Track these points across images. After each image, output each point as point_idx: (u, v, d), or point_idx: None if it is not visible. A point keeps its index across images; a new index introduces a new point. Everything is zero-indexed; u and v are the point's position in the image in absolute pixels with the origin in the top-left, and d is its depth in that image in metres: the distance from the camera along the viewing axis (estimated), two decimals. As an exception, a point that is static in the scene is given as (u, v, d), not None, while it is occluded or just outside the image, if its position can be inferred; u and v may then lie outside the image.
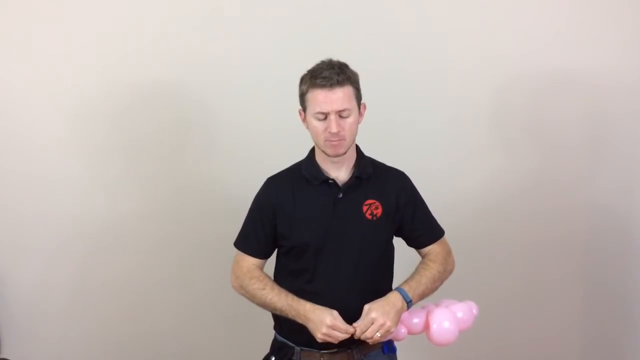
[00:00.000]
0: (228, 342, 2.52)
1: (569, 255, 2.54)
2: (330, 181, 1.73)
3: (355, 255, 1.70)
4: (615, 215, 2.49)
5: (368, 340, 1.63)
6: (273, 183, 1.80)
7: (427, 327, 1.73)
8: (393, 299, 1.65)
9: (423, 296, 1.73)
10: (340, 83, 1.62)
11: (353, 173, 1.74)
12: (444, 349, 2.53)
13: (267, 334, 1.85)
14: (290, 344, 1.75)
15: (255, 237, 1.77)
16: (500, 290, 2.54)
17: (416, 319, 1.74)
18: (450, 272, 1.83)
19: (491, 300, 2.52)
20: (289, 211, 1.74)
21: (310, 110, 1.65)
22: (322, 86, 1.61)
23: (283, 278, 1.77)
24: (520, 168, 2.50)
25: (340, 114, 1.63)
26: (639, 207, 2.48)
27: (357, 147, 1.79)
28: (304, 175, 1.76)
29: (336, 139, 1.64)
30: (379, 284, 1.75)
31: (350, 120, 1.65)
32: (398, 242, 1.82)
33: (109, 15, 2.35)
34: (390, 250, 1.80)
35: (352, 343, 1.70)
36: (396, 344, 1.81)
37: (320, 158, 1.75)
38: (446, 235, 1.85)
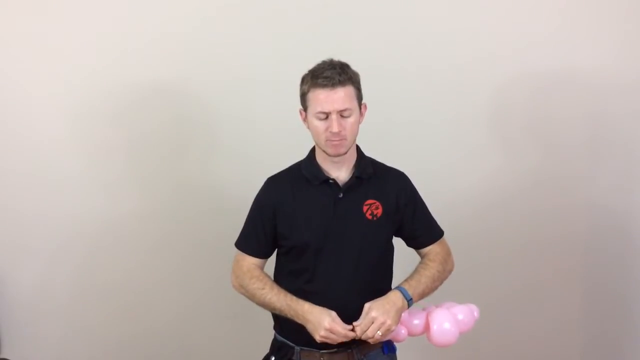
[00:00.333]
0: (228, 342, 2.52)
1: (568, 254, 2.54)
2: (330, 181, 1.73)
3: (355, 255, 1.70)
4: (614, 215, 2.49)
5: (369, 340, 1.63)
6: (273, 183, 1.81)
7: (427, 328, 1.73)
8: (393, 298, 1.65)
9: (423, 295, 1.73)
10: (341, 83, 1.62)
11: (353, 173, 1.74)
12: (443, 348, 2.55)
13: (267, 333, 1.85)
14: (290, 343, 1.75)
15: (255, 237, 1.78)
16: (500, 290, 2.54)
17: (416, 320, 1.74)
18: (450, 272, 1.83)
19: (491, 299, 2.53)
20: (289, 211, 1.74)
21: (312, 109, 1.66)
22: (324, 86, 1.62)
23: (283, 278, 1.77)
24: (519, 167, 2.50)
25: (341, 114, 1.63)
26: (639, 207, 2.47)
27: (358, 147, 1.79)
28: (304, 175, 1.76)
29: (337, 139, 1.64)
30: (379, 283, 1.75)
31: (351, 120, 1.65)
32: (398, 242, 1.82)
33: (110, 15, 2.34)
34: (390, 250, 1.80)
35: (352, 343, 1.70)
36: (396, 344, 1.81)
37: (320, 158, 1.75)
38: (446, 235, 1.85)
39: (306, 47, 2.21)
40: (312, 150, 1.79)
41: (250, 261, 1.78)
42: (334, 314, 1.63)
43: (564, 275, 2.55)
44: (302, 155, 1.81)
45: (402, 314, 1.68)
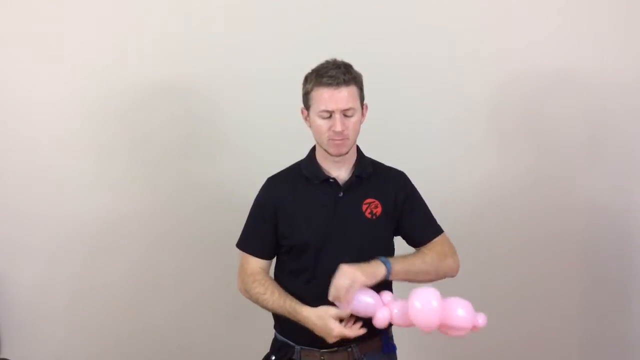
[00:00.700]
0: (228, 342, 2.51)
1: (567, 253, 2.54)
2: (331, 180, 1.74)
3: (355, 254, 1.69)
4: (613, 214, 2.49)
5: (340, 303, 1.60)
6: (273, 182, 1.81)
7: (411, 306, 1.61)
8: (366, 263, 1.63)
9: (408, 274, 1.67)
10: (346, 82, 1.63)
11: (353, 172, 1.75)
12: (443, 347, 2.55)
13: (267, 333, 1.86)
14: (291, 343, 1.76)
15: (257, 237, 1.78)
16: (499, 288, 2.54)
17: (401, 301, 1.65)
18: (449, 269, 1.78)
19: (491, 298, 2.52)
20: (289, 210, 1.74)
21: (315, 108, 1.66)
22: (329, 85, 1.63)
23: (283, 278, 1.77)
24: (518, 167, 2.50)
25: (344, 113, 1.64)
26: (637, 206, 2.48)
27: (358, 147, 1.80)
28: (304, 175, 1.77)
29: (340, 138, 1.65)
30: (379, 283, 1.75)
31: (354, 119, 1.66)
32: (398, 242, 1.82)
33: (112, 15, 2.34)
34: (390, 249, 1.80)
35: (352, 342, 1.71)
36: (396, 344, 1.82)
37: (321, 157, 1.76)
38: (445, 233, 1.85)
39: (307, 46, 2.21)
40: (312, 150, 1.80)
41: (254, 264, 1.77)
42: (331, 312, 1.61)
43: (563, 273, 2.55)
44: (305, 153, 1.82)
45: (386, 296, 1.65)
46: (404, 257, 1.70)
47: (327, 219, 1.71)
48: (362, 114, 1.72)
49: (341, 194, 1.73)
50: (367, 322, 1.68)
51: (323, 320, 1.61)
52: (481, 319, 1.62)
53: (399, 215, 1.77)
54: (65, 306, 2.45)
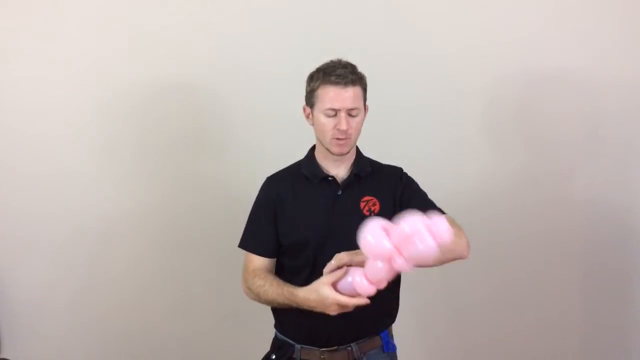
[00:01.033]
0: (229, 341, 2.52)
1: (565, 251, 2.54)
2: (329, 178, 1.75)
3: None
4: (610, 210, 2.50)
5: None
6: (273, 181, 1.82)
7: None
8: None
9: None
10: (353, 82, 1.66)
11: (352, 171, 1.76)
12: (443, 346, 2.56)
13: (268, 332, 1.86)
14: (291, 342, 1.76)
15: (259, 235, 1.78)
16: (496, 285, 2.55)
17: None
18: (461, 250, 1.70)
19: (488, 295, 2.55)
20: (288, 208, 1.75)
21: (320, 106, 1.67)
22: (336, 83, 1.64)
23: (283, 277, 1.77)
24: (513, 165, 2.50)
25: (350, 113, 1.66)
26: (634, 201, 2.49)
27: (356, 147, 1.81)
28: (303, 174, 1.78)
29: (343, 137, 1.66)
30: None
31: (357, 119, 1.69)
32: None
33: (121, 12, 2.35)
34: None
35: (352, 341, 1.72)
36: (396, 343, 1.82)
37: (320, 156, 1.77)
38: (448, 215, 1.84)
39: (314, 43, 2.24)
40: (312, 149, 1.82)
41: (257, 262, 1.76)
42: (322, 279, 1.53)
43: (561, 271, 2.55)
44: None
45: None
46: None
47: (325, 217, 1.72)
48: (364, 115, 1.75)
49: (340, 192, 1.74)
50: (369, 318, 1.70)
51: (317, 291, 1.55)
52: (442, 224, 1.36)
53: (400, 207, 1.76)
54: (65, 305, 2.45)
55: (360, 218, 1.69)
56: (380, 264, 1.41)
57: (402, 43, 2.41)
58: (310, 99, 1.72)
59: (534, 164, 2.49)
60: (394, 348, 1.80)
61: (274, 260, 1.79)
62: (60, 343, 2.47)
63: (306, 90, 1.74)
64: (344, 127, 1.64)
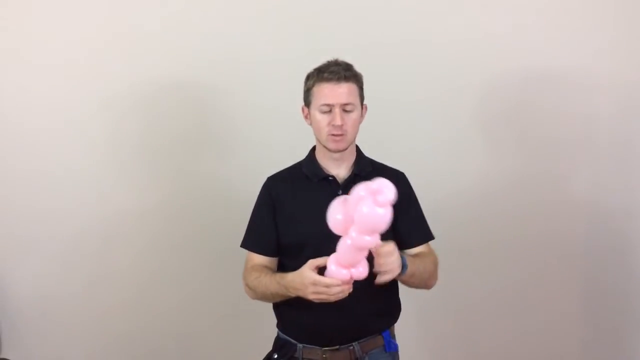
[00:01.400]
0: (230, 341, 2.52)
1: (565, 251, 2.54)
2: (330, 178, 1.75)
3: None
4: (610, 210, 2.50)
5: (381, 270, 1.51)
6: (273, 181, 1.83)
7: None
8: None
9: (411, 277, 1.63)
10: (346, 79, 1.68)
11: (352, 171, 1.77)
12: (444, 346, 2.57)
13: (268, 332, 1.86)
14: (293, 341, 1.76)
15: (259, 234, 1.79)
16: (499, 287, 2.55)
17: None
18: (432, 283, 1.76)
19: (487, 297, 2.55)
20: (289, 208, 1.76)
21: (316, 103, 1.70)
22: (329, 80, 1.67)
23: None
24: (514, 166, 2.50)
25: (344, 108, 1.67)
26: (633, 202, 2.49)
27: (357, 147, 1.82)
28: (304, 173, 1.79)
29: (339, 133, 1.67)
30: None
31: (353, 116, 1.69)
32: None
33: (126, 11, 2.36)
34: None
35: (354, 340, 1.73)
36: (398, 343, 1.82)
37: (320, 155, 1.78)
38: (442, 235, 1.86)
39: (312, 45, 2.24)
40: (313, 150, 1.83)
41: (257, 260, 1.78)
42: (307, 263, 1.54)
43: (561, 272, 2.55)
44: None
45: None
46: (414, 260, 1.66)
47: (325, 216, 1.72)
48: (362, 115, 1.75)
49: (340, 192, 1.74)
50: (370, 317, 1.71)
51: (300, 273, 1.56)
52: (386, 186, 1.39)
53: (394, 214, 1.77)
54: (65, 305, 2.45)
55: (360, 218, 1.71)
56: (346, 242, 1.43)
57: (400, 43, 2.42)
58: (307, 98, 1.74)
59: (533, 163, 2.50)
60: (395, 347, 1.80)
61: (274, 259, 1.79)
62: (60, 343, 2.47)
63: (303, 90, 1.76)
64: (338, 122, 1.66)
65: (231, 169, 2.45)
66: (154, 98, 2.40)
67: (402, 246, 1.77)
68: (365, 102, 1.77)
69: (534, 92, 2.46)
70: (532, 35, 2.42)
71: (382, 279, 1.52)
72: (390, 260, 1.51)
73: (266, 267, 1.76)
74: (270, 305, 1.83)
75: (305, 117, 1.77)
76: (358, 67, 1.76)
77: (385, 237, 1.60)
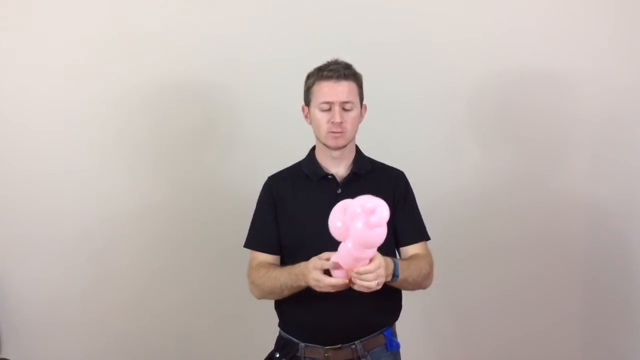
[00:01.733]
0: (231, 341, 2.52)
1: (564, 253, 2.55)
2: (329, 177, 1.77)
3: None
4: (610, 210, 2.51)
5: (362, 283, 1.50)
6: (273, 181, 1.84)
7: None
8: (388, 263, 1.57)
9: (403, 283, 1.65)
10: (346, 77, 1.70)
11: (351, 169, 1.78)
12: (445, 345, 2.57)
13: (269, 332, 1.87)
14: (295, 340, 1.77)
15: (262, 233, 1.80)
16: (499, 287, 2.55)
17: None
18: (426, 285, 1.77)
19: (491, 296, 2.55)
20: (289, 207, 1.77)
21: (315, 101, 1.72)
22: (329, 78, 1.69)
23: None
24: (513, 167, 2.51)
25: (343, 106, 1.69)
26: (632, 202, 2.50)
27: (357, 146, 1.83)
28: (304, 173, 1.80)
29: (338, 130, 1.69)
30: None
31: (352, 114, 1.71)
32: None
33: (132, 9, 2.36)
34: (390, 247, 1.78)
35: (356, 339, 1.73)
36: (400, 341, 1.82)
37: (320, 154, 1.79)
38: (437, 234, 1.86)
39: (315, 45, 2.24)
40: (312, 149, 1.84)
41: (261, 258, 1.78)
42: (320, 255, 1.55)
43: (561, 272, 2.55)
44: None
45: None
46: (407, 265, 1.67)
47: (325, 215, 1.70)
48: (361, 114, 1.77)
49: (339, 190, 1.75)
50: (370, 316, 1.72)
51: (307, 267, 1.57)
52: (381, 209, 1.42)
53: (392, 211, 1.78)
54: (66, 305, 2.44)
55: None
56: (346, 246, 1.46)
57: (398, 43, 2.42)
58: (307, 97, 1.76)
59: (531, 163, 2.50)
60: (397, 346, 1.80)
61: (278, 257, 1.80)
62: (60, 343, 2.46)
63: (304, 90, 1.78)
64: (337, 119, 1.68)
65: (232, 169, 2.45)
66: (154, 98, 2.40)
67: (398, 244, 1.80)
68: (364, 102, 1.78)
69: (533, 92, 2.47)
70: (529, 35, 2.43)
71: (357, 289, 1.52)
72: (367, 277, 1.50)
73: (271, 264, 1.77)
74: (271, 305, 1.83)
75: (306, 117, 1.79)
76: (357, 67, 1.78)
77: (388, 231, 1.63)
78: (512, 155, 2.50)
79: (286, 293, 1.70)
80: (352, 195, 1.70)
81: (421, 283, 1.74)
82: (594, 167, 2.49)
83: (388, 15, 2.41)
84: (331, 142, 1.72)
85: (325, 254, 1.55)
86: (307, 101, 1.76)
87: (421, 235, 1.81)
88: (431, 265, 1.76)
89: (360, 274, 1.49)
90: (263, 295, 1.76)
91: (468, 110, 2.48)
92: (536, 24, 2.43)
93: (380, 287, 1.53)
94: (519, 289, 2.55)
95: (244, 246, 1.82)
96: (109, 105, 2.38)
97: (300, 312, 1.73)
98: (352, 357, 1.74)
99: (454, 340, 2.59)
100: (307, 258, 1.70)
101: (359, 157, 1.81)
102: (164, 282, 2.48)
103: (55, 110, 2.37)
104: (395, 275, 1.59)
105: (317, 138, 1.77)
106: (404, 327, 1.90)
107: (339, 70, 1.70)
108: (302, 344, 1.75)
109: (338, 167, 1.78)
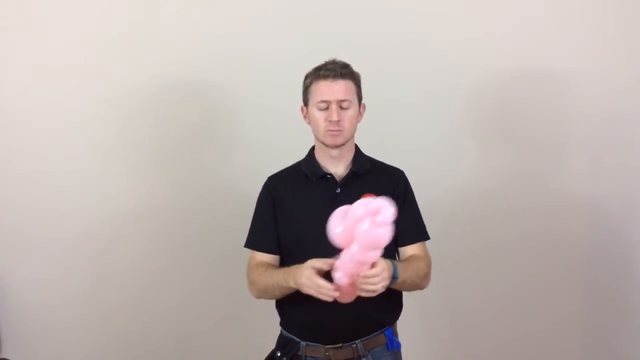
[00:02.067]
0: (232, 340, 2.52)
1: (563, 252, 2.55)
2: (328, 176, 1.77)
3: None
4: (609, 209, 2.51)
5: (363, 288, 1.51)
6: (273, 181, 1.84)
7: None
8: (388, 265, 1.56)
9: (402, 285, 1.65)
10: (343, 76, 1.71)
11: (350, 168, 1.78)
12: (446, 345, 2.57)
13: (270, 332, 1.87)
14: (296, 339, 1.77)
15: (261, 233, 1.80)
16: (499, 287, 2.55)
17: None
18: (425, 282, 1.76)
19: (491, 296, 2.55)
20: (288, 207, 1.77)
21: (313, 100, 1.73)
22: (326, 77, 1.70)
23: None
24: (512, 166, 2.51)
25: (340, 105, 1.70)
26: (631, 201, 2.50)
27: (356, 145, 1.83)
28: (303, 172, 1.80)
29: (336, 128, 1.70)
30: None
31: (350, 113, 1.72)
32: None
33: (132, 10, 2.36)
34: (391, 247, 1.78)
35: (357, 338, 1.74)
36: (401, 341, 1.82)
37: (319, 154, 1.80)
38: (435, 233, 1.86)
39: (317, 44, 2.23)
40: (312, 149, 1.84)
41: (260, 258, 1.79)
42: (309, 270, 1.55)
43: (560, 272, 2.55)
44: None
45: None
46: (406, 267, 1.67)
47: (325, 215, 1.70)
48: (360, 113, 1.78)
49: (338, 190, 1.75)
50: (370, 315, 1.72)
51: (302, 266, 1.58)
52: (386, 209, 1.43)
53: None
54: (66, 305, 2.44)
55: (360, 216, 1.72)
56: (349, 254, 1.47)
57: (397, 43, 2.42)
58: (305, 97, 1.77)
59: (530, 163, 2.51)
60: (398, 346, 1.81)
61: (277, 257, 1.80)
62: (60, 343, 2.46)
63: (302, 90, 1.79)
64: (334, 117, 1.68)
65: (232, 170, 2.45)
66: (155, 98, 2.40)
67: (397, 244, 1.80)
68: (363, 102, 1.79)
69: (532, 92, 2.47)
70: (528, 35, 2.43)
71: (361, 294, 1.53)
72: (373, 280, 1.51)
73: (270, 264, 1.78)
74: (272, 304, 1.83)
75: (305, 117, 1.80)
76: (357, 67, 1.78)
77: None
78: (511, 154, 2.51)
79: (277, 294, 1.72)
80: (352, 194, 1.71)
81: (419, 284, 1.75)
82: (594, 166, 2.50)
83: (388, 15, 2.42)
84: (329, 140, 1.72)
85: (326, 260, 1.55)
86: (306, 101, 1.78)
87: (420, 235, 1.81)
88: (429, 266, 1.77)
89: (368, 277, 1.50)
90: (259, 294, 1.77)
91: (467, 110, 2.48)
92: (535, 23, 2.44)
93: (384, 290, 1.54)
94: (519, 288, 2.55)
95: (244, 246, 1.83)
96: (109, 105, 2.38)
97: (301, 311, 1.72)
98: (352, 356, 1.74)
99: (454, 340, 2.59)
100: (305, 258, 1.70)
101: (358, 156, 1.82)
102: (164, 282, 2.48)
103: (55, 110, 2.37)
104: (394, 277, 1.59)
105: (316, 137, 1.78)
106: (403, 327, 1.90)
107: (336, 70, 1.71)
108: (303, 343, 1.76)
109: (337, 167, 1.79)
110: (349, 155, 1.79)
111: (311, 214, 1.73)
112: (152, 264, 2.47)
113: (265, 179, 1.86)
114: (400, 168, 1.88)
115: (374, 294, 1.53)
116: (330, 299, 1.53)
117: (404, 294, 1.83)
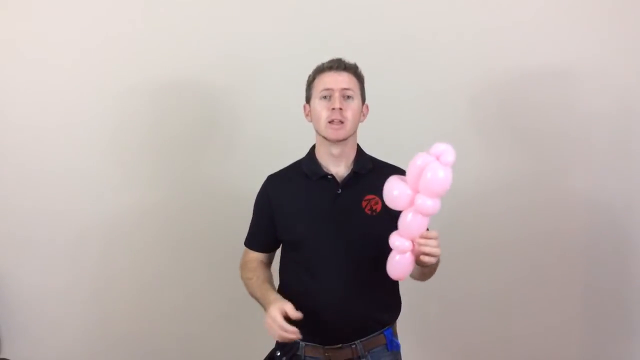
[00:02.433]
0: (233, 340, 2.52)
1: (564, 252, 2.55)
2: (329, 177, 1.75)
3: (354, 251, 1.71)
4: (610, 209, 2.51)
5: (423, 251, 1.52)
6: (273, 180, 1.84)
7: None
8: None
9: (432, 267, 1.67)
10: (346, 68, 1.72)
11: (352, 169, 1.77)
12: (446, 345, 2.56)
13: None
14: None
15: (258, 233, 1.83)
16: (499, 287, 2.55)
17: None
18: (430, 277, 1.77)
19: (491, 296, 2.55)
20: (288, 207, 1.77)
21: (316, 92, 1.72)
22: (330, 68, 1.71)
23: (286, 271, 1.82)
24: (513, 165, 2.51)
25: (344, 94, 1.69)
26: (631, 201, 2.50)
27: (358, 145, 1.82)
28: (303, 172, 1.79)
29: (338, 118, 1.68)
30: (380, 279, 1.72)
31: (353, 105, 1.71)
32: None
33: (132, 10, 2.37)
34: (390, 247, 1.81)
35: (356, 338, 1.73)
36: (400, 341, 1.82)
37: (320, 152, 1.78)
38: (441, 234, 1.83)
39: (317, 45, 2.24)
40: (313, 148, 1.82)
41: (253, 255, 1.84)
42: (280, 304, 1.59)
43: (560, 272, 2.55)
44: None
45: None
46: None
47: (325, 215, 1.72)
48: (362, 113, 1.76)
49: (339, 190, 1.74)
50: (369, 314, 1.72)
51: (273, 304, 1.61)
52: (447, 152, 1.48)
53: (395, 213, 1.78)
54: (66, 305, 2.45)
55: (362, 217, 1.72)
56: (408, 214, 1.51)
57: (398, 41, 2.42)
58: (308, 92, 1.76)
59: (532, 162, 2.50)
60: (397, 347, 1.81)
61: (270, 254, 1.86)
62: (60, 343, 2.47)
63: (305, 89, 1.78)
64: (337, 105, 1.67)
65: (232, 169, 2.45)
66: (155, 98, 2.40)
67: None
68: (366, 103, 1.78)
69: (533, 90, 2.46)
70: (530, 33, 2.43)
71: (425, 259, 1.54)
72: (433, 243, 1.53)
73: (261, 263, 1.83)
74: (272, 305, 1.84)
75: (307, 115, 1.78)
76: (359, 65, 1.77)
77: (390, 231, 1.63)
78: (515, 153, 2.50)
79: (259, 302, 1.76)
80: (353, 194, 1.72)
81: (432, 273, 1.75)
82: (599, 166, 2.49)
83: (389, 13, 2.42)
84: (331, 134, 1.70)
85: (287, 305, 1.59)
86: (308, 97, 1.76)
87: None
88: (438, 262, 1.74)
89: (429, 237, 1.51)
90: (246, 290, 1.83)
91: (471, 109, 2.48)
92: (540, 21, 2.43)
93: (435, 259, 1.55)
94: (520, 288, 2.55)
95: (244, 243, 1.88)
96: (109, 105, 2.39)
97: (300, 310, 1.71)
98: (352, 356, 1.74)
99: (453, 340, 2.59)
100: (306, 256, 1.72)
101: (360, 156, 1.80)
102: (164, 282, 2.48)
103: (55, 110, 2.37)
104: None
105: (317, 132, 1.75)
106: (403, 326, 1.90)
107: (340, 62, 1.72)
108: (302, 343, 1.76)
109: (338, 167, 1.76)
110: (351, 154, 1.77)
111: (310, 214, 1.73)
112: (152, 264, 2.47)
113: (265, 179, 1.86)
114: (404, 167, 1.86)
115: (434, 260, 1.53)
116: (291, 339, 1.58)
117: (402, 293, 1.84)
